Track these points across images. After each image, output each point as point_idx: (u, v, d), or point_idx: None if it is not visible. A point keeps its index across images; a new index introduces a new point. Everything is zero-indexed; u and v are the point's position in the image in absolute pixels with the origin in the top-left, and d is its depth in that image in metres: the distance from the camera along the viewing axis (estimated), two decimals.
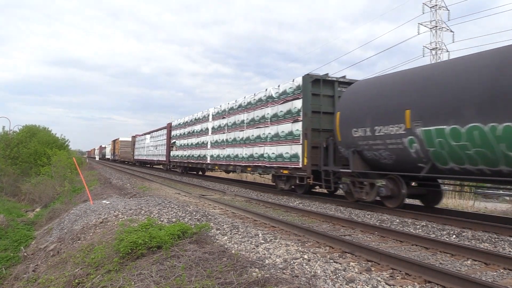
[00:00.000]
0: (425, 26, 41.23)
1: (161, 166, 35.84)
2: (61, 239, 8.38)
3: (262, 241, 5.89)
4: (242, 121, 16.63)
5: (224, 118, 18.95)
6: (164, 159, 30.72)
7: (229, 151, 17.93)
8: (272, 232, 7.02)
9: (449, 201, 15.28)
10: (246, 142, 16.09)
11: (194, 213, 8.27)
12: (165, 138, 30.48)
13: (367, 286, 4.03)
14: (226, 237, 6.17)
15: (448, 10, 41.65)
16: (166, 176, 24.80)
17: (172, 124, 29.40)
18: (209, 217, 7.95)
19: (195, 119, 23.78)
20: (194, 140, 23.46)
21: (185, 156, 25.14)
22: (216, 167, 20.10)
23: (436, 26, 41.02)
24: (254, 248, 5.46)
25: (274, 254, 5.17)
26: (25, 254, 9.33)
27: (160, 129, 33.74)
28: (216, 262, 4.52)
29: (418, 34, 41.68)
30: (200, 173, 27.25)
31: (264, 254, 5.14)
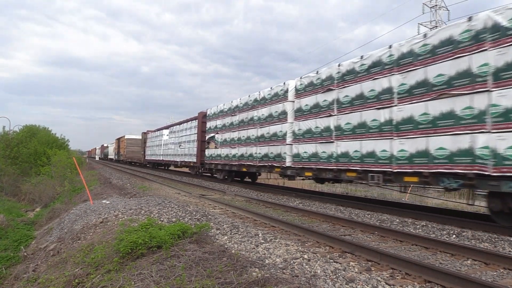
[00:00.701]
0: (425, 26, 41.32)
1: (187, 169, 27.54)
2: (61, 239, 8.38)
3: (262, 241, 5.89)
4: (388, 90, 9.13)
5: (329, 90, 11.20)
6: (193, 160, 23.12)
7: (346, 146, 10.42)
8: (272, 232, 7.02)
9: (449, 203, 15.31)
10: (401, 128, 8.76)
11: (194, 213, 8.27)
12: (195, 132, 23.33)
13: (367, 286, 4.03)
14: (226, 237, 6.18)
15: (448, 10, 41.87)
16: (166, 176, 24.79)
17: (208, 113, 21.50)
18: (209, 217, 7.95)
19: (255, 101, 15.83)
20: (252, 132, 15.89)
21: (234, 156, 17.41)
22: (307, 174, 12.23)
23: (436, 26, 41.04)
24: (254, 248, 5.47)
25: (274, 254, 5.17)
26: (25, 254, 9.33)
27: (186, 121, 25.99)
28: (216, 262, 4.52)
29: (418, 34, 41.75)
30: (248, 179, 20.48)
31: (264, 254, 5.14)
